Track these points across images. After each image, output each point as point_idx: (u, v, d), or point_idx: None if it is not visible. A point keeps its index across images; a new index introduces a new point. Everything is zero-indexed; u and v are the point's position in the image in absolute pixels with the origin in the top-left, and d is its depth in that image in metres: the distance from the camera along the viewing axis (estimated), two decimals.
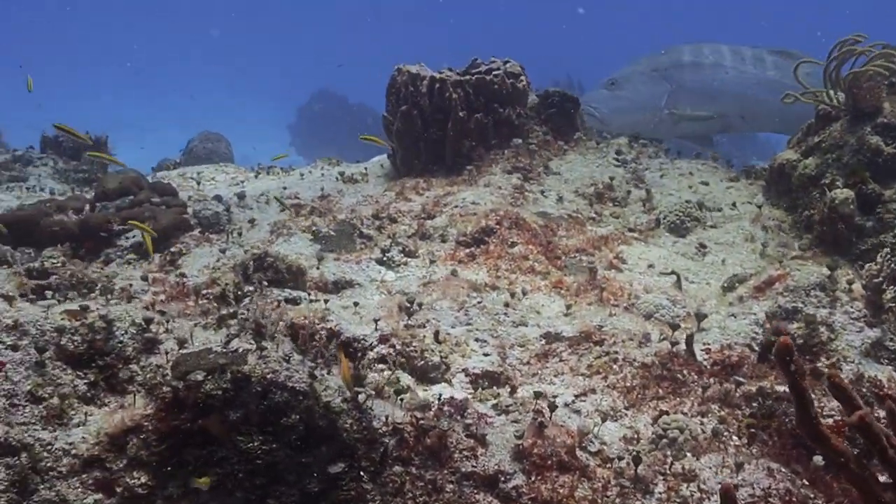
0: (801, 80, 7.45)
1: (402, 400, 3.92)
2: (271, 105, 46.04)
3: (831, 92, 7.20)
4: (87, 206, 7.34)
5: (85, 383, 3.75)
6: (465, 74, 8.17)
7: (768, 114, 10.68)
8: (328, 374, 3.74)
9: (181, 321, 4.29)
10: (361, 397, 3.71)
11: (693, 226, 7.08)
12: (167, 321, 4.03)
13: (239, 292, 5.36)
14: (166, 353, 3.83)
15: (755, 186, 7.85)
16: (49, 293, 4.91)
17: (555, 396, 4.45)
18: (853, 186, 6.65)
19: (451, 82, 7.64)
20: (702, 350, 4.94)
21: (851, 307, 5.08)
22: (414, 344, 4.71)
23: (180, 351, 3.76)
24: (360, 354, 4.67)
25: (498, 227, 6.42)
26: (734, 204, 7.37)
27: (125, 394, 3.74)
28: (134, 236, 6.56)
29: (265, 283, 5.44)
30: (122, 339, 3.84)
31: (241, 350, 3.60)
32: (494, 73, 8.07)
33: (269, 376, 3.48)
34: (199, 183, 8.55)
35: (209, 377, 3.46)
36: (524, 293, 5.57)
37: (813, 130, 7.41)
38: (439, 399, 4.02)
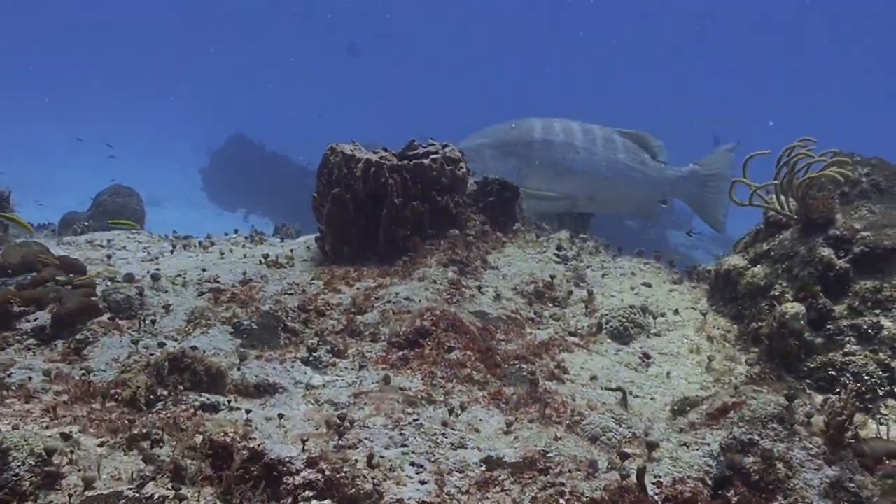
0: (744, 176, 7.30)
1: None
2: (184, 146, 45.57)
3: (783, 198, 7.08)
4: None
5: None
6: (402, 158, 7.91)
7: (616, 196, 10.73)
8: None
9: (87, 445, 3.87)
10: None
11: (636, 333, 6.86)
12: (70, 450, 3.58)
13: (151, 396, 4.97)
14: (69, 491, 3.39)
15: (699, 290, 7.69)
16: None
17: None
18: (803, 300, 6.50)
19: (388, 167, 7.36)
20: (652, 483, 4.66)
21: (810, 442, 4.85)
22: (345, 469, 4.34)
23: (86, 493, 3.33)
24: (285, 479, 4.28)
25: (434, 328, 6.11)
26: (677, 310, 7.19)
27: None
28: (35, 320, 6.11)
29: (181, 388, 5.04)
30: (17, 471, 3.40)
31: (156, 497, 3.20)
32: (432, 157, 7.82)
33: None
34: (109, 257, 8.07)
35: None
36: (462, 408, 5.25)
37: (762, 237, 7.30)
38: None
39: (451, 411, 5.18)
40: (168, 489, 3.27)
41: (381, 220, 7.39)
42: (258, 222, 30.67)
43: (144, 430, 4.02)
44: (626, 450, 4.96)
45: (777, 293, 6.73)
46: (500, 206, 8.26)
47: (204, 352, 5.73)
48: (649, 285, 7.66)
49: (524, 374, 5.96)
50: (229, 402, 5.09)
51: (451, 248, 7.42)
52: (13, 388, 5.03)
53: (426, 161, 7.56)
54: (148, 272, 7.54)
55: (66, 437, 3.75)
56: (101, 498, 3.21)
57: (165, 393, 5.00)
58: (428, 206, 7.52)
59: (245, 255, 8.05)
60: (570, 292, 7.33)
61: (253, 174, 29.85)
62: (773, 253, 7.01)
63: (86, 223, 11.23)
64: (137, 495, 3.20)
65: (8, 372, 5.45)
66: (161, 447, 4.01)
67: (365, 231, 7.45)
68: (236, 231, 10.91)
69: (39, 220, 13.73)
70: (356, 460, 4.45)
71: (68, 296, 6.32)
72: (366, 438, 4.72)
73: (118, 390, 4.99)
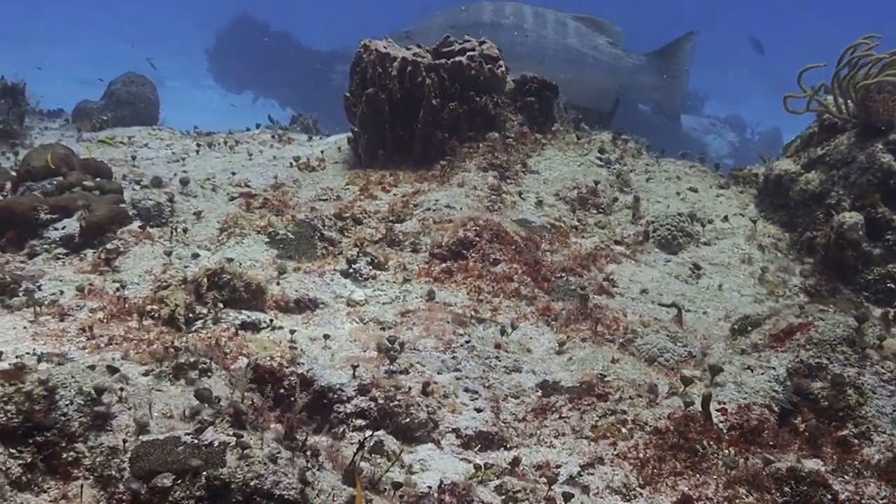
0: (801, 85, 6.98)
1: (401, 497, 3.40)
2: (189, 25, 44.88)
3: (840, 101, 6.78)
4: (10, 185, 6.67)
5: (19, 465, 3.14)
6: (437, 55, 7.60)
7: (567, 83, 10.43)
8: (319, 471, 3.20)
9: (135, 379, 3.70)
10: None
11: (685, 242, 6.66)
12: (120, 388, 3.41)
13: (190, 314, 4.81)
14: (122, 435, 3.22)
15: (746, 195, 7.46)
16: None
17: (558, 466, 3.99)
18: (861, 209, 6.27)
19: (425, 66, 7.06)
20: (717, 410, 4.50)
21: (882, 367, 4.67)
22: (398, 397, 4.20)
23: (140, 438, 3.17)
24: (336, 407, 4.14)
25: (477, 239, 5.92)
26: (726, 217, 6.96)
27: (69, 480, 3.15)
28: (63, 228, 5.93)
29: (220, 306, 4.87)
30: (66, 410, 3.23)
31: (216, 444, 3.03)
32: (469, 54, 7.50)
33: (252, 483, 2.93)
34: (134, 158, 7.83)
35: (179, 482, 2.90)
36: (513, 327, 5.08)
37: (815, 141, 7.01)
38: (439, 487, 3.51)
39: (502, 331, 5.01)
40: (229, 435, 3.10)
41: (417, 122, 7.12)
42: (266, 105, 30.35)
43: (192, 360, 3.85)
44: (686, 372, 4.81)
45: (833, 201, 6.50)
46: (540, 106, 7.96)
47: (240, 264, 5.56)
48: (695, 190, 7.43)
49: (572, 287, 5.78)
50: (271, 321, 4.93)
51: (491, 152, 7.16)
52: (46, 303, 4.88)
53: (464, 60, 7.24)
54: (175, 174, 7.33)
55: (112, 370, 3.58)
56: (157, 444, 3.05)
57: (204, 311, 4.84)
58: (466, 108, 7.24)
59: (275, 157, 7.82)
60: (615, 199, 7.11)
61: (260, 57, 29.37)
62: (828, 158, 6.75)
63: (104, 118, 10.93)
64: (196, 441, 3.04)
65: (38, 283, 5.29)
66: (209, 377, 3.86)
67: (400, 133, 7.19)
68: (258, 126, 10.67)
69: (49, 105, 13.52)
70: (409, 387, 4.30)
71: (96, 202, 6.12)
72: (417, 363, 4.57)
73: (155, 307, 4.83)
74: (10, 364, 3.56)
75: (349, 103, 7.41)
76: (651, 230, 6.71)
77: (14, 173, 7.16)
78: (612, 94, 10.95)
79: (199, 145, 8.64)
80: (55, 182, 6.43)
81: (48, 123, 12.04)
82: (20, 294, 5.07)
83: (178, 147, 9.20)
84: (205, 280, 4.95)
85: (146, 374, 3.87)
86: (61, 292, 5.10)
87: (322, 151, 7.92)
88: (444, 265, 5.78)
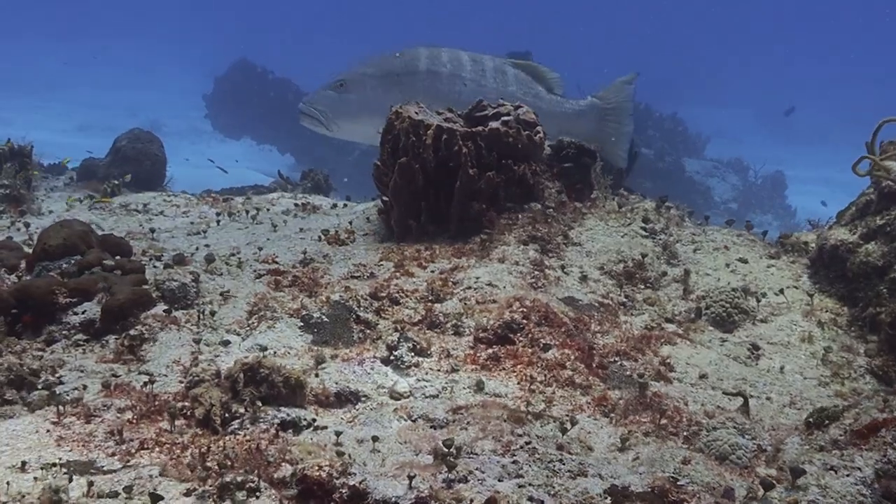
0: (871, 145, 6.68)
1: None
2: (187, 72, 45.02)
3: None
4: (24, 264, 6.40)
5: None
6: (469, 119, 7.37)
7: None
8: None
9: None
10: None
11: (741, 319, 6.38)
12: None
13: (226, 414, 4.51)
14: None
15: (798, 265, 7.16)
16: None
17: None
18: None
19: (461, 134, 6.80)
20: None
21: None
22: None
23: None
24: None
25: (525, 321, 5.63)
26: (781, 290, 6.67)
27: None
28: (83, 312, 5.65)
29: (258, 404, 4.57)
30: None
31: None
32: (504, 119, 7.25)
33: None
34: (153, 231, 7.55)
35: None
36: (573, 422, 4.77)
37: (874, 210, 6.71)
38: None
39: (563, 430, 4.69)
40: None
41: (453, 193, 6.85)
42: (264, 150, 30.33)
43: (239, 479, 3.54)
44: (762, 470, 4.50)
45: None
46: (578, 172, 7.70)
47: (275, 352, 5.28)
48: (745, 261, 7.15)
49: (628, 373, 5.49)
50: (313, 420, 4.63)
51: (531, 224, 6.89)
52: (69, 400, 4.60)
53: (501, 127, 6.98)
54: (197, 249, 7.07)
55: (155, 498, 3.27)
56: None
57: (241, 410, 4.54)
58: (503, 177, 6.97)
59: (301, 229, 7.53)
60: (664, 272, 6.84)
61: (259, 102, 29.41)
62: (889, 229, 6.46)
63: (115, 182, 10.70)
64: None
65: (58, 375, 5.03)
66: (257, 497, 3.56)
67: (435, 204, 6.92)
68: (282, 176, 10.50)
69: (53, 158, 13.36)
70: (471, 499, 3.98)
71: (118, 284, 5.85)
72: (476, 469, 4.24)
73: (187, 404, 4.53)
74: (41, 491, 3.25)
75: (379, 172, 7.14)
76: (704, 306, 6.43)
77: (28, 249, 6.92)
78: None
79: (218, 214, 8.39)
80: (73, 261, 6.17)
81: (52, 182, 11.87)
82: (39, 387, 4.80)
83: (195, 214, 8.97)
84: (241, 375, 4.65)
85: (188, 493, 3.57)
86: (84, 387, 4.83)
87: (350, 222, 7.64)
88: (490, 350, 5.48)
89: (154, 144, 13.95)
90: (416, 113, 7.14)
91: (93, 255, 6.19)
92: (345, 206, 9.03)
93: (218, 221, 8.01)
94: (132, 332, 5.52)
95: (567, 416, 4.84)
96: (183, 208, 9.15)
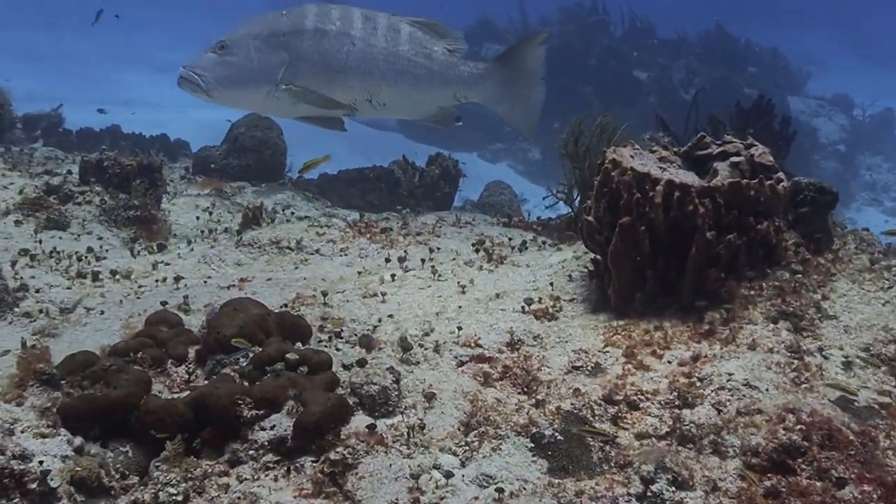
0: None
1: None
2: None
3: None
4: (193, 353, 5.71)
5: None
6: (689, 158, 6.46)
7: (401, 99, 9.60)
8: None
9: None
10: None
11: None
12: None
13: None
14: None
15: None
16: None
17: None
18: None
19: (697, 190, 5.85)
20: None
21: None
22: None
23: None
24: None
25: (806, 443, 4.71)
26: None
27: None
28: (272, 427, 4.92)
29: None
30: None
31: None
32: (732, 160, 6.31)
33: None
34: (325, 295, 6.77)
35: None
36: None
37: None
38: None
39: None
40: None
41: (683, 259, 5.94)
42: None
43: None
44: None
45: None
46: (816, 218, 6.68)
47: (511, 494, 4.48)
48: None
49: None
50: None
51: (780, 295, 5.94)
52: None
53: (742, 180, 6.01)
54: (380, 321, 6.31)
55: None
56: None
57: None
58: (744, 238, 6.01)
59: (497, 295, 6.67)
60: None
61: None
62: None
63: (257, 204, 10.05)
64: None
65: None
66: None
67: (664, 273, 6.02)
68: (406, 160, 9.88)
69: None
70: None
71: (309, 390, 5.10)
72: None
73: None
74: None
75: (592, 229, 6.24)
76: None
77: (184, 315, 6.29)
78: (452, 111, 9.74)
79: (388, 261, 7.62)
80: (251, 354, 5.44)
81: (168, 173, 11.57)
82: None
83: (353, 251, 8.28)
84: None
85: None
86: None
87: (551, 284, 6.78)
88: (767, 484, 4.59)
89: (273, 131, 13.53)
90: (633, 157, 6.23)
91: (272, 347, 5.46)
92: (539, 248, 8.17)
93: (393, 277, 7.18)
94: (332, 455, 4.76)
95: None
96: (339, 244, 8.43)
